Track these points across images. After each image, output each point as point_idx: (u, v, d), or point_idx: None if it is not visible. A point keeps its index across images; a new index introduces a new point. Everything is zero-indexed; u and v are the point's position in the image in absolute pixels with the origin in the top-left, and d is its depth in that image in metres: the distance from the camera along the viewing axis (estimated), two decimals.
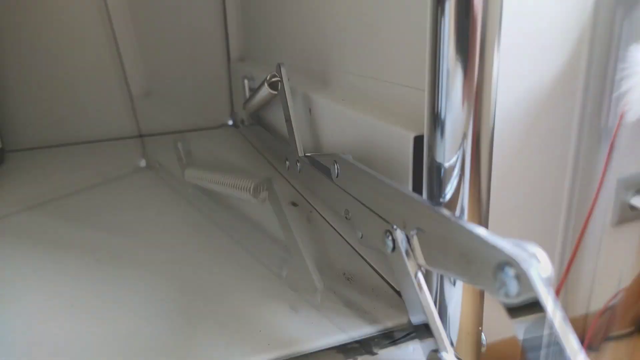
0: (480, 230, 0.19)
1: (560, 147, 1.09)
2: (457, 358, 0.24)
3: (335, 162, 0.32)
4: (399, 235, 0.25)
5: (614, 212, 1.25)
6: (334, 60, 0.44)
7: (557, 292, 1.10)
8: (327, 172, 0.35)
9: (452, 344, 0.28)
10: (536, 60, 1.01)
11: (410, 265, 0.25)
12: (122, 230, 0.43)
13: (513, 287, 0.17)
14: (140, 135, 0.74)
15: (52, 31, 0.66)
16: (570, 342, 0.16)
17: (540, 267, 0.16)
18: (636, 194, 1.23)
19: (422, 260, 0.24)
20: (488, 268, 0.18)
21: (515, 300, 0.17)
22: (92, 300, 0.32)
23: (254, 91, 0.53)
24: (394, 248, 0.26)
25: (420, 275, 0.25)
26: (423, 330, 0.27)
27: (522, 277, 0.16)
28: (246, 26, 0.72)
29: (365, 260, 0.36)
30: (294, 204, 0.47)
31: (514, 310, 0.18)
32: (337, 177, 0.32)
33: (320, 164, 0.37)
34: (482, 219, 0.26)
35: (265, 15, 0.62)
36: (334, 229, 0.41)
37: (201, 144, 0.71)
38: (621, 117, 1.02)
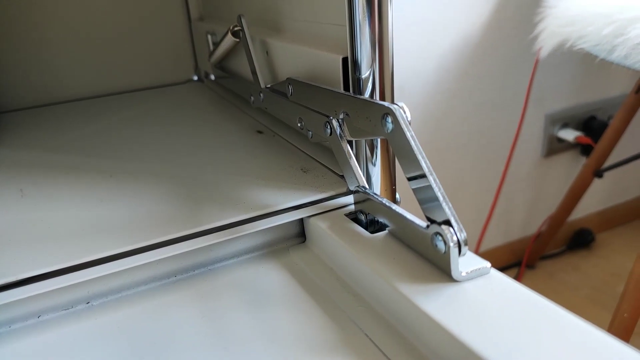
0: (376, 100, 0.31)
1: (493, 87, 1.26)
2: (376, 195, 0.36)
3: (289, 84, 0.44)
4: (334, 122, 0.37)
5: (543, 144, 1.42)
6: (284, 11, 0.55)
7: (488, 219, 1.25)
8: (284, 94, 0.46)
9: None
10: (468, 10, 1.15)
11: (342, 142, 0.37)
12: (131, 151, 0.54)
13: (390, 125, 0.29)
14: (110, 94, 0.83)
15: None
16: (420, 154, 0.29)
17: (404, 113, 0.29)
18: (562, 128, 1.41)
19: (349, 136, 0.37)
20: (378, 119, 0.30)
21: (391, 134, 0.30)
22: (117, 195, 0.44)
23: (217, 43, 0.64)
24: (331, 132, 0.38)
25: (349, 148, 0.37)
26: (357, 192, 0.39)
27: (394, 119, 0.29)
28: None
29: (317, 161, 0.48)
30: (260, 132, 0.58)
31: (393, 143, 0.30)
32: (291, 95, 0.44)
33: (278, 91, 0.48)
34: (390, 99, 0.39)
35: None
36: (294, 145, 0.53)
37: (173, 96, 0.80)
38: (538, 54, 1.18)
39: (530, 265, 1.29)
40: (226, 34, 0.57)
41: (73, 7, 0.78)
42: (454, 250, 0.26)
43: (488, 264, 0.27)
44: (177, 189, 0.44)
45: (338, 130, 0.37)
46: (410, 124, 0.29)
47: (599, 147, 1.11)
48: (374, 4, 0.35)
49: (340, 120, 0.36)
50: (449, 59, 1.04)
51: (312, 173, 0.45)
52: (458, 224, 0.26)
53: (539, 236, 1.28)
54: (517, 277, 1.24)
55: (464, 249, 0.26)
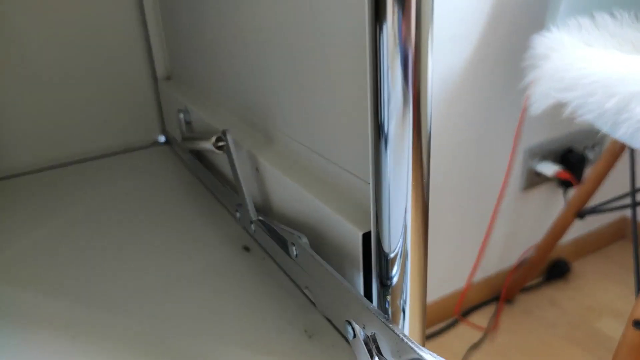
0: (427, 354, 0.25)
1: (474, 125, 1.21)
2: None
3: (293, 244, 0.37)
4: (358, 329, 0.31)
5: (522, 178, 1.40)
6: (275, 119, 0.47)
7: (480, 254, 1.23)
8: (283, 244, 0.39)
9: None
10: (447, 49, 1.10)
11: (368, 350, 0.31)
12: (90, 284, 0.45)
13: None
14: (64, 164, 0.73)
15: None
16: None
17: None
18: (541, 161, 1.39)
19: (377, 349, 0.30)
20: None
21: None
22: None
23: (194, 136, 0.55)
24: (354, 335, 0.31)
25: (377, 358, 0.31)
26: None
27: None
28: (172, 44, 0.72)
29: (325, 314, 0.41)
30: (246, 249, 0.51)
31: None
32: (296, 257, 0.37)
33: (276, 234, 0.41)
34: (421, 295, 0.32)
35: (194, 37, 0.63)
36: (291, 278, 0.46)
37: (136, 170, 0.71)
38: (524, 109, 1.13)
39: (509, 300, 1.27)
40: (207, 140, 0.49)
41: (14, 64, 0.67)
42: None
43: None
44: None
45: (363, 337, 0.31)
46: None
47: (582, 189, 1.09)
48: (404, 160, 0.28)
49: (368, 335, 0.30)
50: (431, 100, 0.98)
51: (319, 339, 0.39)
52: None
53: (517, 269, 1.27)
54: (496, 315, 1.23)
55: None
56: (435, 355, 0.25)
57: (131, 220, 0.57)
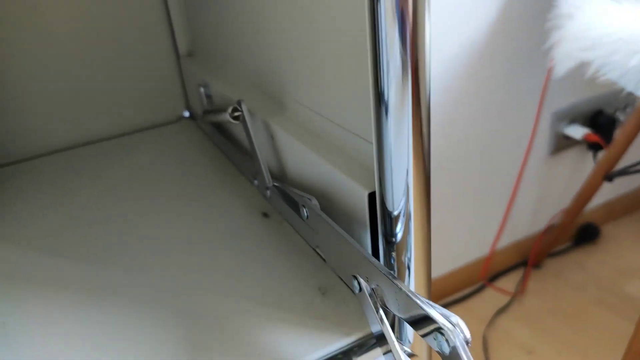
0: (425, 305, 0.26)
1: (500, 89, 1.20)
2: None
3: (304, 206, 0.39)
4: (364, 284, 0.33)
5: (550, 142, 1.38)
6: (288, 87, 0.48)
7: (504, 220, 1.23)
8: (295, 207, 0.41)
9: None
10: (471, 12, 1.08)
11: (373, 303, 0.33)
12: (115, 249, 0.49)
13: (443, 346, 0.25)
14: (89, 142, 0.77)
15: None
16: None
17: (463, 336, 0.24)
18: (569, 125, 1.36)
19: (382, 302, 0.32)
20: (430, 330, 0.26)
21: (446, 353, 0.25)
22: (110, 338, 0.39)
23: (213, 108, 0.57)
24: (360, 289, 0.33)
25: (382, 313, 0.33)
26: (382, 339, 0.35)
27: (450, 342, 0.24)
28: (192, 20, 0.74)
29: (335, 271, 0.44)
30: (265, 215, 0.53)
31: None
32: (307, 218, 0.39)
33: (289, 198, 0.43)
34: (426, 252, 0.34)
35: (213, 12, 0.64)
36: (307, 242, 0.48)
37: (161, 144, 0.74)
38: (549, 71, 1.11)
39: (537, 265, 1.27)
40: (224, 112, 0.50)
41: (40, 44, 0.70)
42: None
43: None
44: (173, 326, 0.39)
45: (368, 291, 0.32)
46: (469, 344, 0.24)
47: (610, 151, 1.07)
48: (404, 122, 0.29)
49: (373, 288, 0.32)
50: (455, 64, 0.98)
51: (332, 297, 0.41)
52: None
53: (545, 233, 1.26)
54: (524, 279, 1.23)
55: None
56: (433, 304, 0.26)
57: (156, 190, 0.60)
